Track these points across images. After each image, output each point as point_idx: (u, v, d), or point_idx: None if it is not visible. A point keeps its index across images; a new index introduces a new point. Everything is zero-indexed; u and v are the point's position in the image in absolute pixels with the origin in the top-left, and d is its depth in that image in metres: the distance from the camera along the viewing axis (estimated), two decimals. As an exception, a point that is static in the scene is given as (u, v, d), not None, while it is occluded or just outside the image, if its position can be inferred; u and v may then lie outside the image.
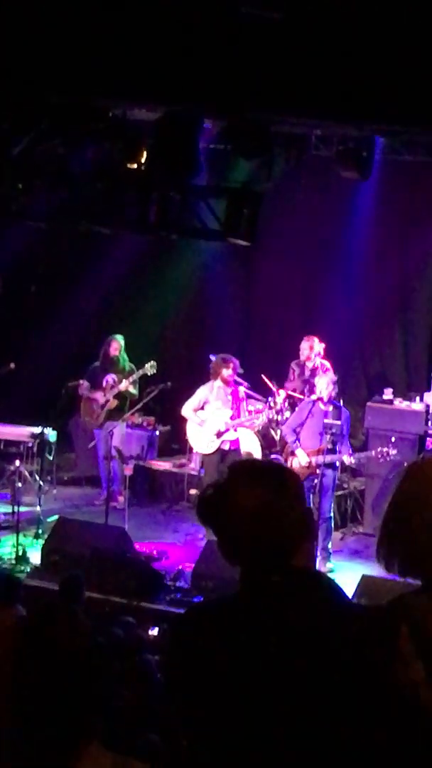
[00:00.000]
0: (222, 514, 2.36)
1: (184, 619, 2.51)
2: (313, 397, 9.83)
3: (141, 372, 11.11)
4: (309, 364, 11.20)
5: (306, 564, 2.40)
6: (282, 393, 11.01)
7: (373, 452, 9.77)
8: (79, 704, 1.93)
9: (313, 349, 11.18)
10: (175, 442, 12.47)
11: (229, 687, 2.27)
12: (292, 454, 9.75)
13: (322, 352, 11.24)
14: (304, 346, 11.22)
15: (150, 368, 11.08)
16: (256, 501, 2.31)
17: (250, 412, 10.77)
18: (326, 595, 2.37)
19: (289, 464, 9.73)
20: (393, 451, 9.65)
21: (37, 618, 2.08)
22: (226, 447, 10.32)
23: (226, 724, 2.25)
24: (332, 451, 9.51)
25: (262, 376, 11.38)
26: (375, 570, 9.34)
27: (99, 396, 11.22)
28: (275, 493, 2.34)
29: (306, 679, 2.22)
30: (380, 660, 2.21)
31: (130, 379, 11.11)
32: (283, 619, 2.28)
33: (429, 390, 11.11)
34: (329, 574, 8.20)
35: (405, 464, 9.78)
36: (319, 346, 11.23)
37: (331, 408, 9.69)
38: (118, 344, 11.32)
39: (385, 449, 9.66)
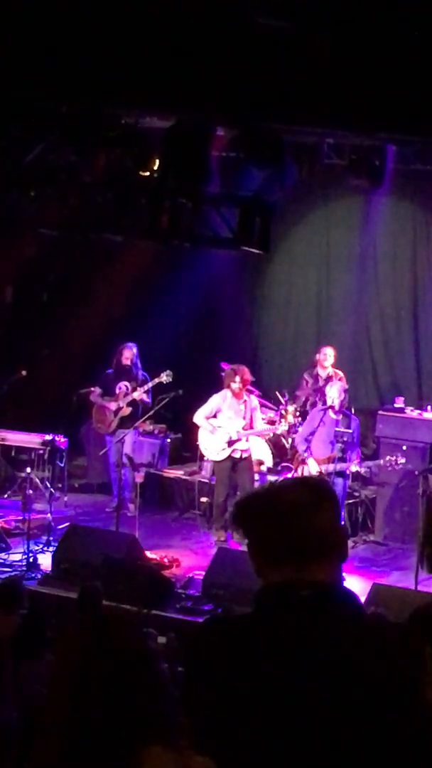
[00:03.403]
0: (261, 510, 2.37)
1: (205, 632, 2.45)
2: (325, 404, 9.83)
3: (156, 380, 11.08)
4: (322, 373, 11.20)
5: (334, 581, 2.37)
6: (291, 409, 10.96)
7: (384, 461, 9.76)
8: (144, 707, 1.90)
9: (328, 359, 11.19)
10: (187, 450, 12.45)
11: (250, 705, 2.21)
12: (303, 462, 9.73)
13: (333, 361, 11.25)
14: (325, 355, 11.22)
15: (166, 377, 11.05)
16: (297, 497, 2.35)
17: (272, 422, 10.75)
18: (354, 613, 2.35)
19: (299, 473, 9.72)
20: (402, 460, 9.64)
21: (104, 624, 2.03)
22: (237, 455, 10.32)
23: (243, 743, 2.20)
24: (342, 460, 9.49)
25: (277, 393, 11.34)
26: (386, 578, 9.32)
27: (111, 403, 11.22)
28: (315, 497, 2.37)
29: (330, 700, 2.18)
30: (406, 682, 2.21)
31: (145, 387, 11.09)
32: (310, 636, 2.25)
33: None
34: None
35: (416, 473, 9.77)
36: (331, 358, 11.25)
37: (341, 416, 9.68)
38: (130, 352, 11.30)
39: (395, 458, 9.65)
